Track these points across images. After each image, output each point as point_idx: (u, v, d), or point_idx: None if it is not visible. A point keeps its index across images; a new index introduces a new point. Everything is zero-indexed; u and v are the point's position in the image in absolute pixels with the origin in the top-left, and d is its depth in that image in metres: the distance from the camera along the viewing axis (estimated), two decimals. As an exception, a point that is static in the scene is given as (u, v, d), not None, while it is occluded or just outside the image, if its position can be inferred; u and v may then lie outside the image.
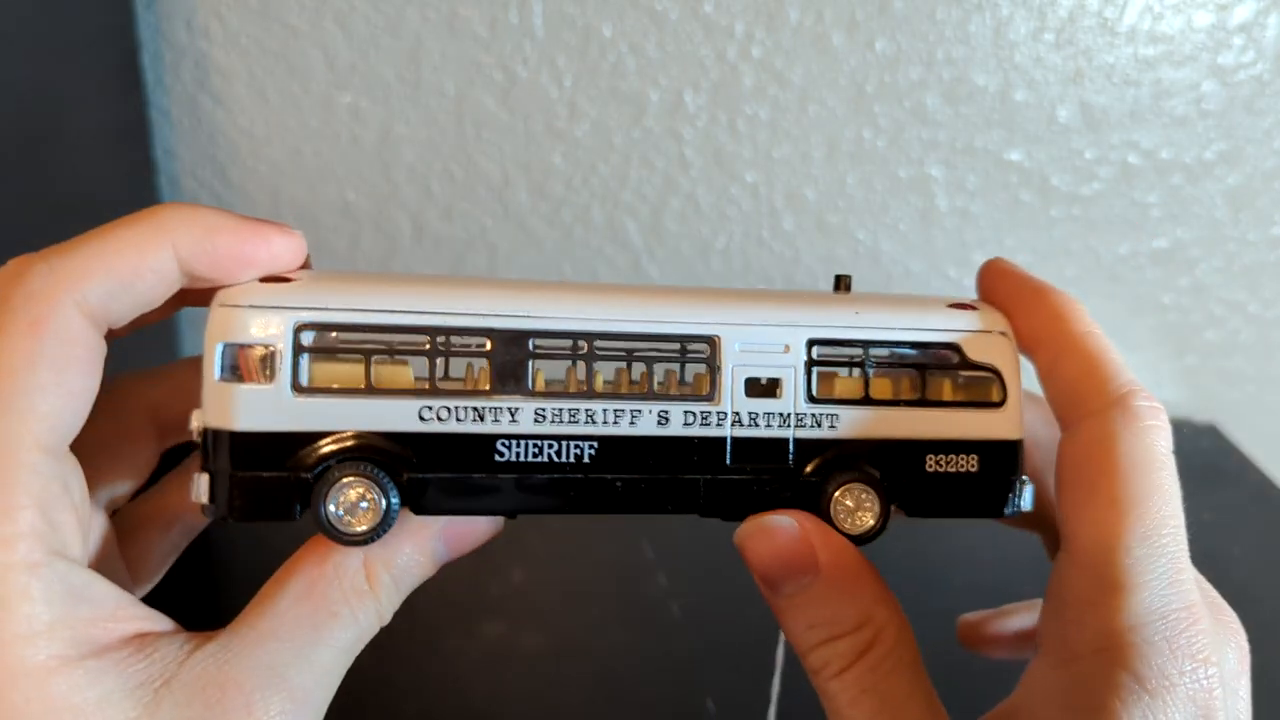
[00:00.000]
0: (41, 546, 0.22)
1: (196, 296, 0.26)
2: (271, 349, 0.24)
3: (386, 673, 0.45)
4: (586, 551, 0.56)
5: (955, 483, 0.28)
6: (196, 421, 0.25)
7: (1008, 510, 0.28)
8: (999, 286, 0.30)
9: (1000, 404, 0.28)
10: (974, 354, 0.28)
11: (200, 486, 0.25)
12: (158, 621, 0.24)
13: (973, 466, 0.28)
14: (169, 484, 0.30)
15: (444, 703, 0.45)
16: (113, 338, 0.25)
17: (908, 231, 0.68)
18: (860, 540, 0.27)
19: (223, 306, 0.25)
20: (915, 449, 0.28)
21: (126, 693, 0.22)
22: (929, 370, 0.28)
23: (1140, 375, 0.27)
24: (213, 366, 0.24)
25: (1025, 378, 0.29)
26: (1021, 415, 0.29)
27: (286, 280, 0.25)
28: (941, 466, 0.28)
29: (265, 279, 0.25)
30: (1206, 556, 0.27)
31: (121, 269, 0.24)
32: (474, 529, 0.27)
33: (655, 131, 0.64)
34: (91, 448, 0.25)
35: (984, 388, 0.28)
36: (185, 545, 0.30)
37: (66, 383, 0.23)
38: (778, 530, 0.26)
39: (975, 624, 0.35)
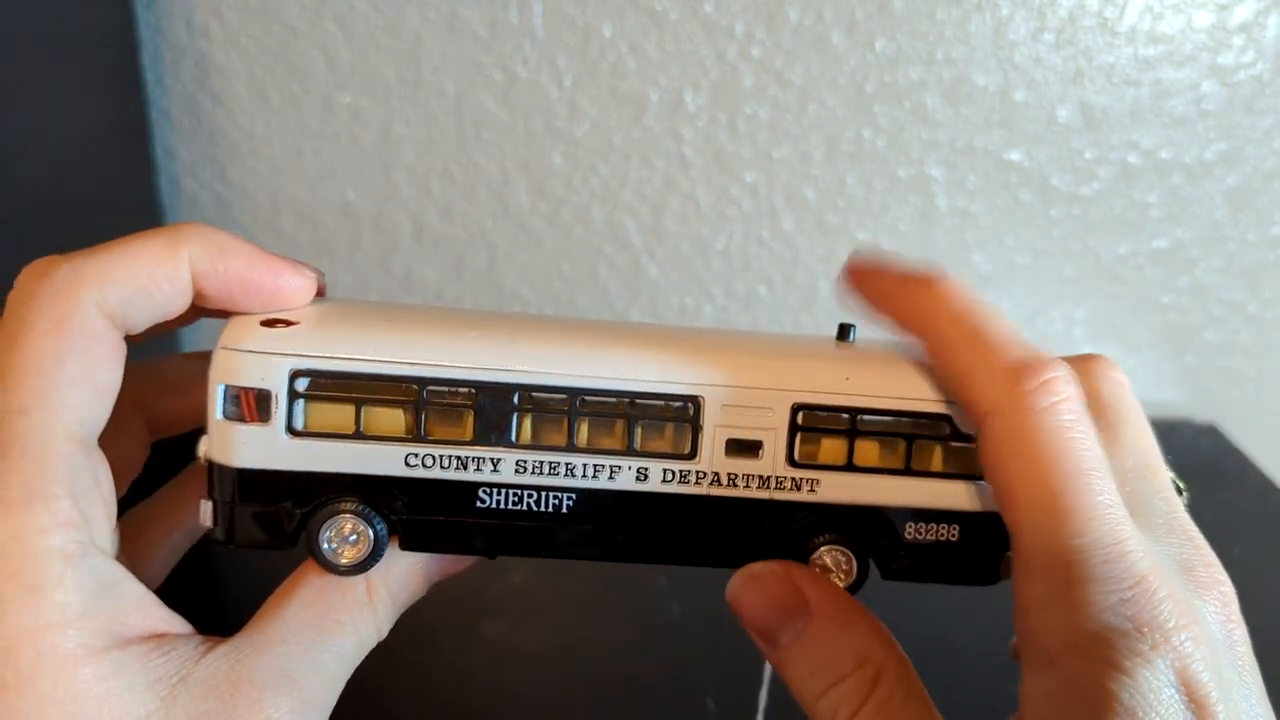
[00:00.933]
0: (76, 537, 0.23)
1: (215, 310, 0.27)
2: (268, 393, 0.25)
3: (387, 673, 0.45)
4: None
5: (935, 551, 0.28)
6: (204, 448, 0.26)
7: (1000, 579, 0.28)
8: (866, 287, 0.29)
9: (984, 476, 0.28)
10: (965, 425, 0.27)
11: (205, 512, 0.26)
12: (176, 622, 0.25)
13: (953, 536, 0.28)
14: (171, 490, 0.31)
15: (444, 703, 0.45)
16: (130, 342, 0.26)
17: (908, 231, 0.68)
18: None
19: (225, 350, 0.26)
20: (895, 517, 0.28)
21: (147, 686, 0.23)
22: (917, 439, 0.28)
23: (1140, 375, 0.26)
24: (215, 405, 0.26)
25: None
26: None
27: (288, 324, 0.26)
28: (920, 535, 0.28)
29: (267, 321, 0.26)
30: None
31: (140, 276, 0.24)
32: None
33: (655, 131, 0.64)
34: None
35: (973, 458, 0.27)
36: (185, 550, 0.31)
37: (93, 377, 0.24)
38: (766, 576, 0.27)
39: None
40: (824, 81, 0.63)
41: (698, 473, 0.27)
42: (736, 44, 0.61)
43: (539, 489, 0.27)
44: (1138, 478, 0.27)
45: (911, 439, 0.27)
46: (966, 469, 0.28)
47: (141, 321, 0.25)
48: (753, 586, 0.27)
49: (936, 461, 0.28)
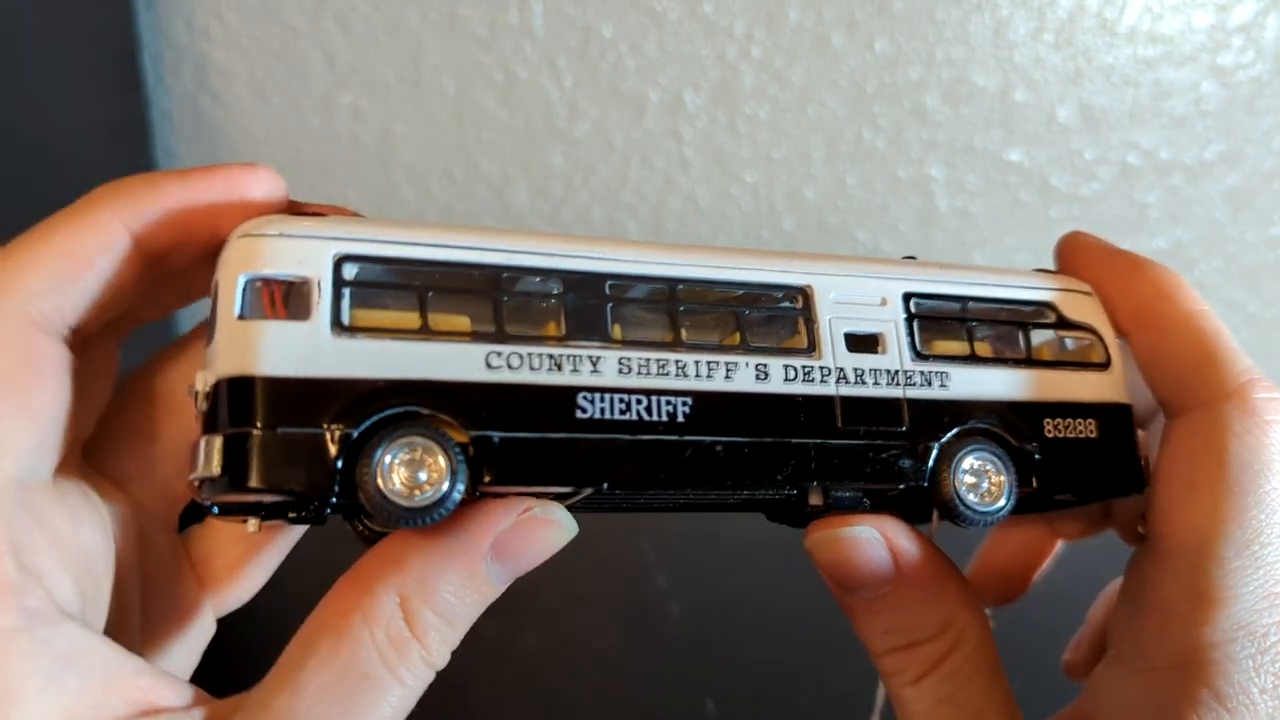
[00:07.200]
0: (15, 606, 0.18)
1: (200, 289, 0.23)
2: (308, 282, 0.20)
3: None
4: (586, 551, 0.56)
5: (1078, 450, 0.25)
6: (202, 381, 0.21)
7: (1145, 486, 0.25)
8: (1085, 260, 0.27)
9: (1105, 365, 0.26)
10: (1070, 313, 0.26)
11: (206, 454, 0.20)
12: (170, 692, 0.20)
13: (1091, 432, 0.25)
14: None
15: (444, 703, 0.45)
16: (113, 341, 0.23)
17: (908, 231, 0.68)
18: (989, 516, 0.24)
19: (246, 237, 0.21)
20: (1032, 411, 0.25)
21: None
22: (1029, 329, 0.26)
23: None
24: (231, 303, 0.20)
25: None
26: (1126, 380, 0.26)
27: (319, 213, 0.22)
28: (1061, 431, 0.25)
29: (293, 209, 0.22)
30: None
31: (64, 258, 0.20)
32: (534, 535, 0.22)
33: (655, 131, 0.64)
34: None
35: (1084, 349, 0.26)
36: (288, 549, 0.26)
37: (31, 406, 0.20)
38: (858, 540, 0.24)
39: (1078, 658, 0.32)
40: (824, 81, 0.63)
41: (822, 368, 0.23)
42: (736, 44, 0.61)
43: (648, 392, 0.22)
44: None
45: (1025, 328, 0.25)
46: (1080, 358, 0.26)
47: (89, 311, 0.21)
48: (836, 548, 0.24)
49: (1049, 354, 0.26)
